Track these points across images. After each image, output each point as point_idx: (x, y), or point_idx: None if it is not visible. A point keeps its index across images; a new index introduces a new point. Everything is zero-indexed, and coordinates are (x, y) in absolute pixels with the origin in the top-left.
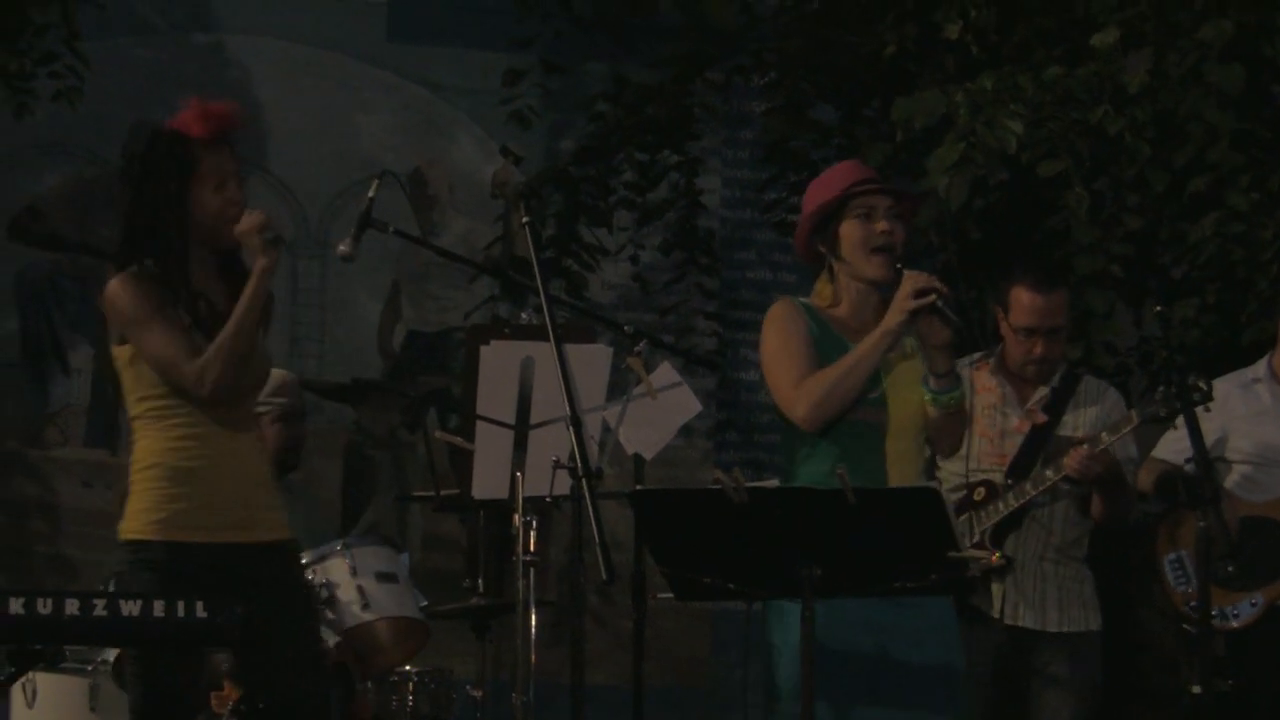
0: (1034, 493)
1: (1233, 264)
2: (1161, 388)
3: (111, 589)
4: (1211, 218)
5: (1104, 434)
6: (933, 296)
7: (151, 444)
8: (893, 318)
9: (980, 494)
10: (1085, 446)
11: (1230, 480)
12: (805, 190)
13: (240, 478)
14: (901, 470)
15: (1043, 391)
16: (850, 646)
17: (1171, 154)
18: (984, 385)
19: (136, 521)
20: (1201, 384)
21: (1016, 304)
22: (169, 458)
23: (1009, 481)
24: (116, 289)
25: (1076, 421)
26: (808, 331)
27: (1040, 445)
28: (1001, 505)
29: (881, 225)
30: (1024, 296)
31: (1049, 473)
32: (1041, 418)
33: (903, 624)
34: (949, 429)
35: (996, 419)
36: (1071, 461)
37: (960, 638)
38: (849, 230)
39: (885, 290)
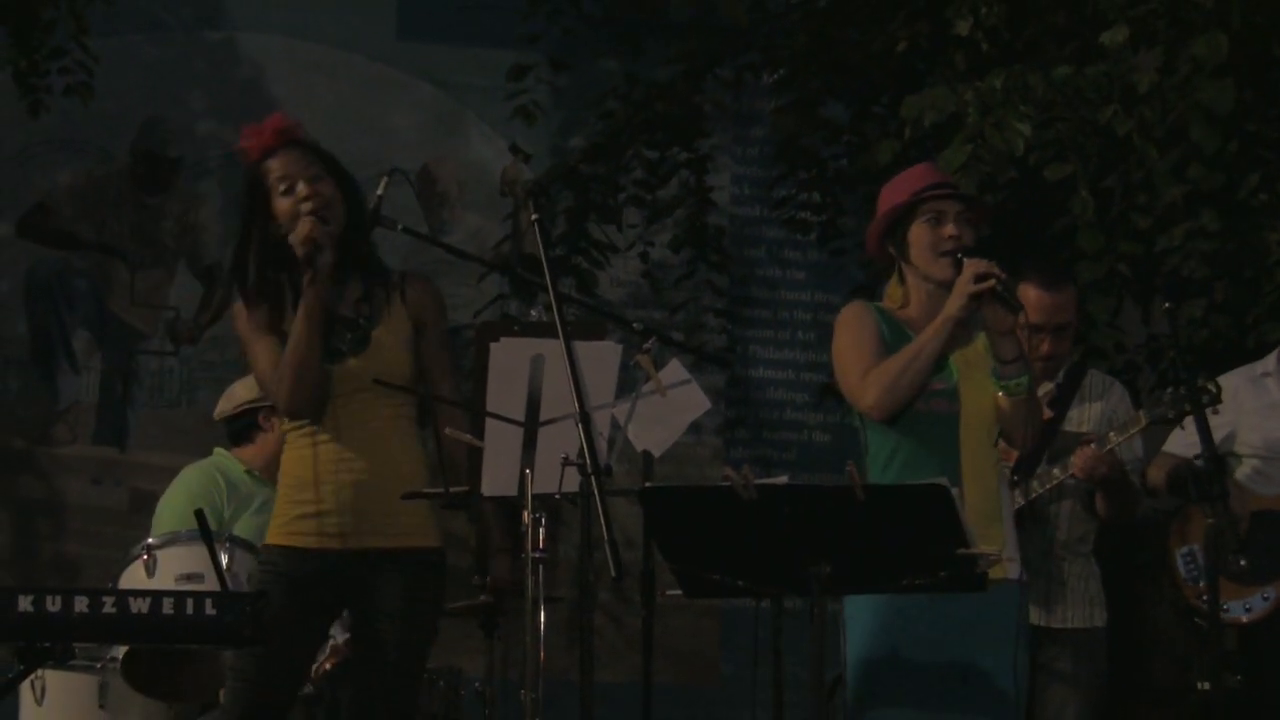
0: (1041, 491)
1: (1206, 278)
2: (1170, 389)
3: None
4: (1181, 230)
5: (1111, 434)
6: (992, 281)
7: (287, 456)
8: (953, 304)
9: None
10: (1092, 446)
11: (1241, 474)
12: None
13: (367, 483)
14: (975, 461)
15: (1048, 387)
16: (921, 653)
17: (1162, 159)
18: None
19: (269, 530)
20: (1210, 386)
21: (1024, 301)
22: (297, 467)
23: (1015, 478)
24: (235, 314)
25: (1082, 417)
26: (878, 330)
27: (1046, 441)
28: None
29: (950, 229)
30: (1031, 294)
31: (1056, 471)
32: (1047, 413)
33: (977, 624)
34: (1022, 418)
35: None
36: (1078, 461)
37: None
38: (918, 233)
39: None
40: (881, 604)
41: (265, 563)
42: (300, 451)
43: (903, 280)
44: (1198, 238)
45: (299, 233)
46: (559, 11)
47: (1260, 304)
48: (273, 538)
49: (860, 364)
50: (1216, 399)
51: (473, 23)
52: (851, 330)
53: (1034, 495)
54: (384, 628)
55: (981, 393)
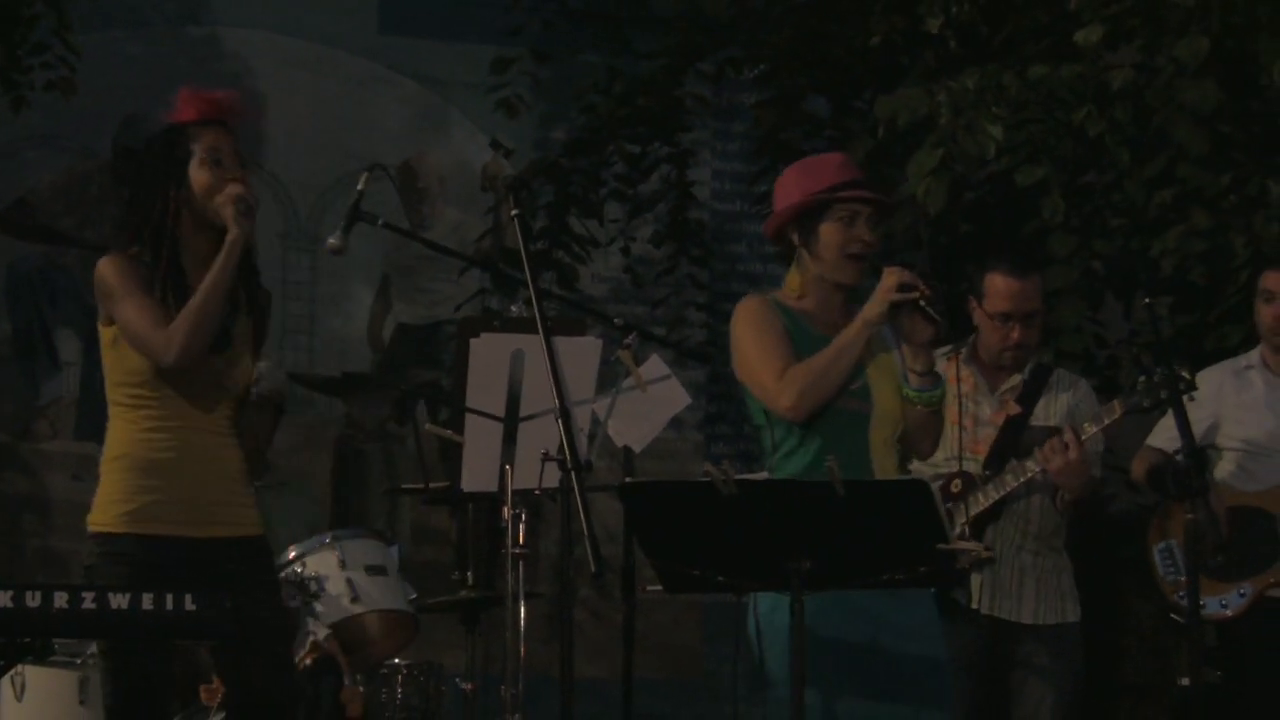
0: (1014, 484)
1: (1191, 282)
2: (1143, 377)
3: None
4: (1175, 232)
5: (1087, 424)
6: (915, 294)
7: (122, 433)
8: (873, 308)
9: (957, 486)
10: (1058, 438)
11: (1222, 469)
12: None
13: (211, 473)
14: (884, 460)
15: (1015, 380)
16: (840, 634)
17: (1144, 165)
18: (955, 376)
19: (105, 514)
20: (1185, 373)
21: (992, 290)
22: (139, 449)
23: (986, 473)
24: (103, 267)
25: (1049, 410)
26: (783, 325)
27: (1015, 435)
28: (981, 497)
29: (862, 233)
30: (999, 282)
31: (1029, 464)
32: (1015, 408)
33: (889, 614)
34: (929, 429)
35: (970, 409)
36: (1044, 453)
37: (941, 630)
38: (829, 232)
39: (850, 293)
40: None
41: (113, 555)
42: (145, 434)
43: (800, 270)
44: (1191, 239)
45: (229, 192)
46: (536, 9)
47: (1222, 305)
48: (121, 524)
49: (773, 364)
50: (1191, 385)
51: (454, 18)
52: (756, 326)
53: (1006, 490)
54: (253, 615)
55: (891, 393)
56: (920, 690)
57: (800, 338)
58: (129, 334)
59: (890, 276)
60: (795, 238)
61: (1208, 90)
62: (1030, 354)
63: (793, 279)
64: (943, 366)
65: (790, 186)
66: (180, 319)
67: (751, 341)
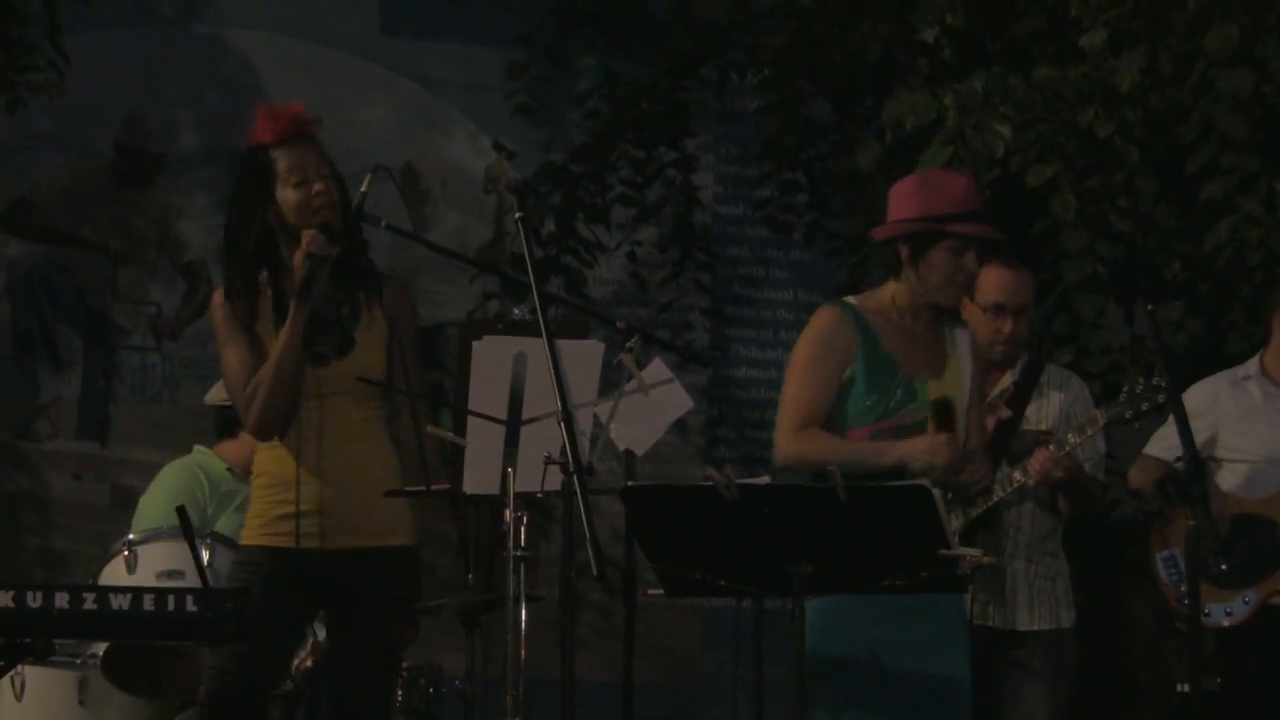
0: (1002, 495)
1: (1252, 269)
2: (1126, 388)
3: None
4: (1228, 222)
5: (1070, 436)
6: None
7: (261, 455)
8: (919, 462)
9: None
10: (1050, 449)
11: (1222, 478)
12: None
13: (339, 486)
14: None
15: (1006, 383)
16: (855, 655)
17: (1178, 161)
18: None
19: (245, 529)
20: (1162, 384)
21: (985, 282)
22: (270, 467)
23: None
24: (214, 305)
25: (1041, 414)
26: (839, 362)
27: (1005, 442)
28: (970, 509)
29: (970, 264)
30: (992, 274)
31: (1017, 475)
32: (1006, 413)
33: (912, 634)
34: None
35: None
36: (1034, 466)
37: (957, 647)
38: (940, 257)
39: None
40: (829, 601)
41: (244, 561)
42: (277, 451)
43: (906, 283)
44: (1246, 226)
45: (300, 249)
46: (541, 9)
47: (1237, 309)
48: (251, 537)
49: (800, 412)
50: (1170, 395)
51: (456, 19)
52: (812, 356)
53: (995, 499)
54: (361, 624)
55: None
56: (938, 710)
57: (870, 355)
58: (225, 382)
59: (937, 456)
60: (904, 253)
61: (1241, 77)
62: (1018, 350)
63: (898, 291)
64: None
65: (909, 199)
66: (254, 389)
67: (800, 370)
